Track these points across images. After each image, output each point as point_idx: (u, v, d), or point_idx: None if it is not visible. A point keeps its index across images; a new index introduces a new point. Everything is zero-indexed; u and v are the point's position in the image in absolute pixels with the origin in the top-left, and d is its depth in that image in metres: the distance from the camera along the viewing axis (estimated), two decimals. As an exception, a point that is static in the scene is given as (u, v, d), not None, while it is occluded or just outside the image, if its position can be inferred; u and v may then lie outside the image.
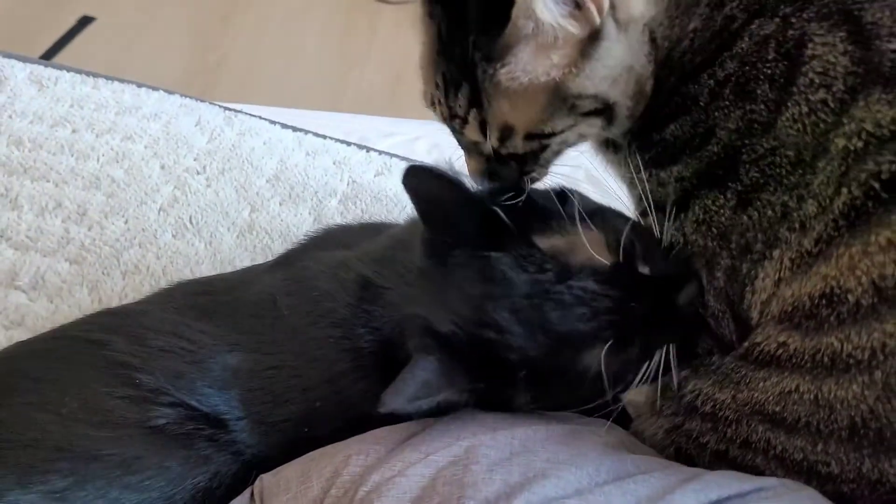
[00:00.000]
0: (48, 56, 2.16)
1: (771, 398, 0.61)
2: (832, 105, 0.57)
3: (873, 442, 0.57)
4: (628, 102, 0.66)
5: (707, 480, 0.59)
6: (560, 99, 0.65)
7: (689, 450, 0.69)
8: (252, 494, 0.66)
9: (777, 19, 0.59)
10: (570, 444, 0.63)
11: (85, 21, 2.30)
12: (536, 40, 0.62)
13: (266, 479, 0.65)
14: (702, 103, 0.62)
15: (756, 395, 0.62)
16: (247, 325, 0.73)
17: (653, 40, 0.65)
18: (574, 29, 0.61)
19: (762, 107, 0.60)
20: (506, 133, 0.68)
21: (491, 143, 0.69)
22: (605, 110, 0.66)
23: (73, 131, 1.18)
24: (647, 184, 0.67)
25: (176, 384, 0.68)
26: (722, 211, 0.63)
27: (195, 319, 0.73)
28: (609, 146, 0.73)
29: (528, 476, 0.57)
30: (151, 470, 0.65)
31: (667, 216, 0.66)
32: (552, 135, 0.67)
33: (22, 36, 2.19)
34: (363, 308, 0.70)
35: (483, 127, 0.68)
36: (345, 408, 0.69)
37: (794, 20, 0.59)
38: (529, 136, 0.68)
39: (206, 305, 0.75)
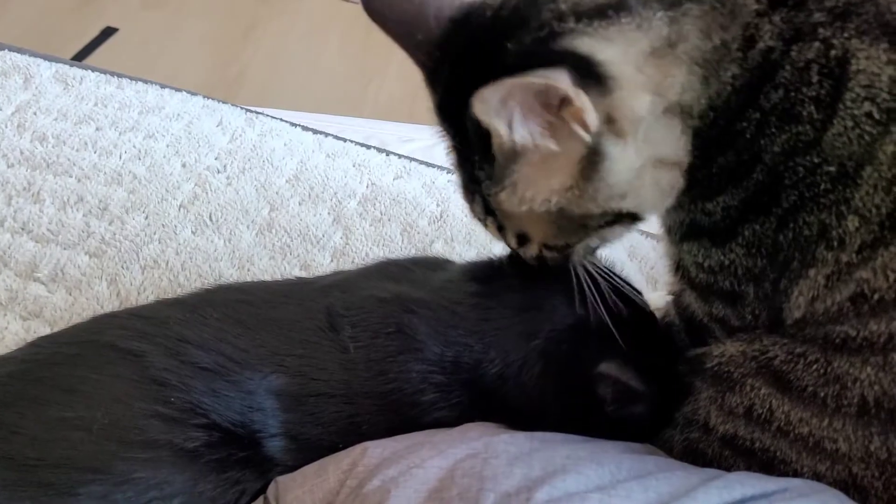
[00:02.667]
0: (78, 58, 2.18)
1: (781, 355, 0.61)
2: (878, 116, 0.56)
3: (884, 421, 0.57)
4: (654, 202, 0.64)
5: (730, 479, 0.58)
6: (566, 219, 0.64)
7: (700, 447, 0.68)
8: (265, 499, 0.65)
9: (817, 43, 0.58)
10: (590, 444, 0.63)
11: (108, 32, 2.32)
12: (527, 164, 0.60)
13: (282, 480, 0.65)
14: (748, 135, 0.60)
15: (765, 347, 0.62)
16: (295, 347, 0.70)
17: (685, 112, 0.60)
18: (559, 148, 0.58)
19: (808, 127, 0.58)
20: (522, 240, 0.68)
21: (511, 246, 0.69)
22: (622, 218, 0.64)
23: (97, 129, 1.19)
24: (690, 214, 0.65)
25: (211, 403, 0.66)
26: (769, 233, 0.62)
27: (237, 335, 0.70)
28: None
29: (548, 470, 0.57)
30: (183, 496, 0.63)
31: (713, 244, 0.65)
32: (568, 246, 0.67)
33: (45, 46, 2.21)
34: (453, 350, 0.70)
35: (502, 230, 0.68)
36: (393, 430, 0.68)
37: (834, 41, 0.58)
38: (547, 247, 0.68)
39: (248, 319, 0.72)
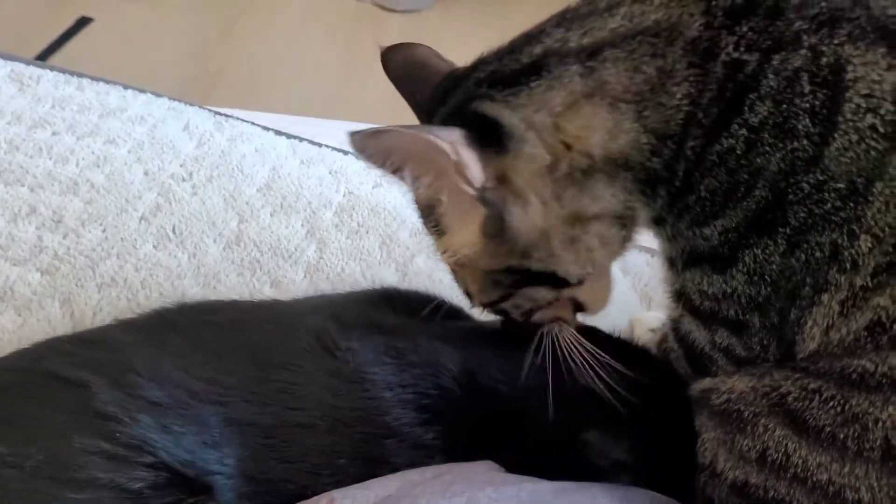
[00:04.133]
0: (43, 56, 2.10)
1: (794, 391, 0.57)
2: (882, 130, 0.53)
3: None
4: (580, 259, 0.64)
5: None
6: (480, 275, 0.67)
7: (708, 493, 0.62)
8: None
9: (804, 50, 0.55)
10: (585, 496, 0.56)
11: (83, 22, 2.24)
12: (443, 217, 0.64)
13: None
14: (738, 152, 0.57)
15: (777, 383, 0.58)
16: (272, 373, 0.65)
17: (616, 160, 0.60)
18: (450, 202, 0.62)
19: (805, 143, 0.55)
20: (467, 294, 0.72)
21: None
22: (539, 278, 0.65)
23: (53, 133, 1.12)
24: (690, 241, 0.63)
25: (160, 440, 0.60)
26: (773, 258, 0.58)
27: (198, 364, 0.65)
28: (653, 223, 0.68)
29: (537, 534, 0.50)
30: None
31: (714, 270, 0.61)
32: (494, 304, 0.69)
33: (18, 35, 2.12)
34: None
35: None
36: (376, 467, 0.63)
37: (823, 48, 0.55)
38: (483, 304, 0.71)
39: (214, 345, 0.67)
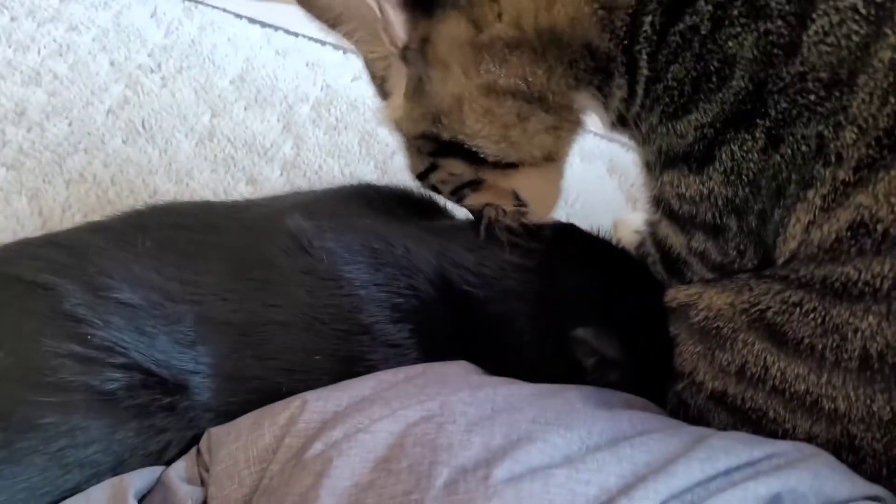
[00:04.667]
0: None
1: (774, 305, 0.56)
2: (864, 11, 0.49)
3: (888, 377, 0.52)
4: (492, 133, 0.62)
5: (713, 446, 0.52)
6: (409, 141, 0.67)
7: (685, 398, 0.62)
8: (199, 451, 0.58)
9: None
10: (560, 401, 0.56)
11: None
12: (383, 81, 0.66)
13: (214, 431, 0.58)
14: (703, 31, 0.54)
15: (757, 298, 0.57)
16: (248, 271, 0.64)
17: (547, 35, 0.58)
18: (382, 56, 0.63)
19: (780, 24, 0.51)
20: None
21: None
22: (453, 150, 0.64)
23: (12, 19, 1.06)
24: (664, 139, 0.60)
25: (132, 341, 0.59)
26: (751, 154, 0.55)
27: (171, 265, 0.63)
28: (618, 123, 0.65)
29: (511, 439, 0.50)
30: (99, 442, 0.57)
31: (690, 170, 0.59)
32: (422, 175, 0.69)
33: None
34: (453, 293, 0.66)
35: None
36: (351, 364, 0.63)
37: None
38: (417, 177, 0.70)
39: (187, 247, 0.65)
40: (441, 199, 0.75)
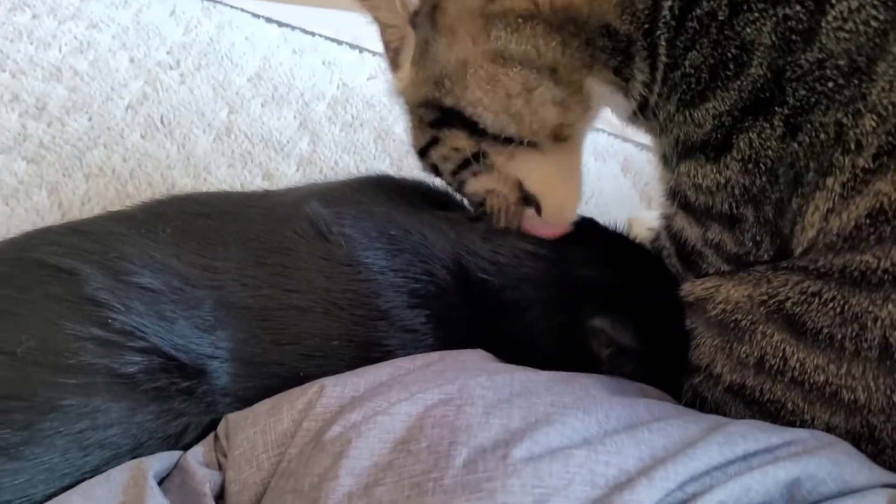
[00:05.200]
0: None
1: (793, 296, 0.56)
2: None
3: None
4: (493, 102, 0.61)
5: (731, 432, 0.52)
6: (413, 111, 0.66)
7: (702, 391, 0.62)
8: (216, 437, 0.59)
9: None
10: (576, 387, 0.56)
11: None
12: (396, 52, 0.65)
13: (232, 417, 0.58)
14: (721, 17, 0.53)
15: (775, 290, 0.57)
16: (266, 257, 0.64)
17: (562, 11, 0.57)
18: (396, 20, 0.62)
19: (798, 9, 0.51)
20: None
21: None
22: (452, 119, 0.63)
23: (34, 17, 1.06)
24: (682, 128, 0.59)
25: (152, 325, 0.60)
26: (769, 143, 0.55)
27: (191, 251, 0.64)
28: (639, 112, 0.64)
29: (529, 421, 0.50)
30: (119, 425, 0.57)
31: (707, 159, 0.58)
32: (423, 152, 0.67)
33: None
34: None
35: None
36: (368, 350, 0.63)
37: None
38: (419, 153, 0.69)
39: (206, 233, 0.66)
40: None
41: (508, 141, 0.62)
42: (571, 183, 0.68)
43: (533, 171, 0.66)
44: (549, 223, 0.68)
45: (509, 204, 0.68)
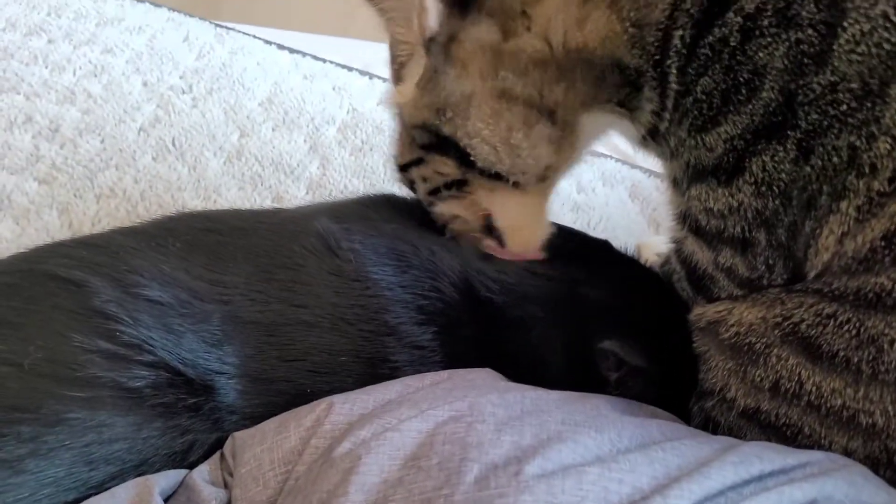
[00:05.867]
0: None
1: (808, 318, 0.55)
2: (895, 19, 0.49)
3: None
4: (493, 136, 0.62)
5: (746, 453, 0.51)
6: (405, 129, 0.66)
7: (715, 415, 0.61)
8: (222, 455, 0.58)
9: None
10: (587, 406, 0.56)
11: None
12: (402, 65, 0.66)
13: (239, 435, 0.58)
14: (733, 43, 0.54)
15: (790, 312, 0.56)
16: (275, 273, 0.64)
17: (581, 49, 0.59)
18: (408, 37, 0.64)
19: (811, 32, 0.51)
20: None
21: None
22: (447, 147, 0.64)
23: (49, 41, 1.08)
24: (693, 152, 0.59)
25: (160, 339, 0.59)
26: (782, 166, 0.55)
27: (200, 265, 0.64)
28: (650, 137, 0.65)
29: (541, 438, 0.50)
30: (125, 440, 0.57)
31: (719, 183, 0.59)
32: (405, 167, 0.69)
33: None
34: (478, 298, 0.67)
35: None
36: (376, 366, 0.63)
37: None
38: (401, 167, 0.70)
39: (215, 248, 0.66)
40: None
41: (495, 177, 0.64)
42: (540, 223, 0.71)
43: (508, 208, 0.68)
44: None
45: (472, 232, 0.69)
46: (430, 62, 0.62)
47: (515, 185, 0.65)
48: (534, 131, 0.62)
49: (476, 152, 0.63)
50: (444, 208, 0.70)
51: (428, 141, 0.65)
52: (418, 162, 0.67)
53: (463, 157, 0.64)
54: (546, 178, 0.66)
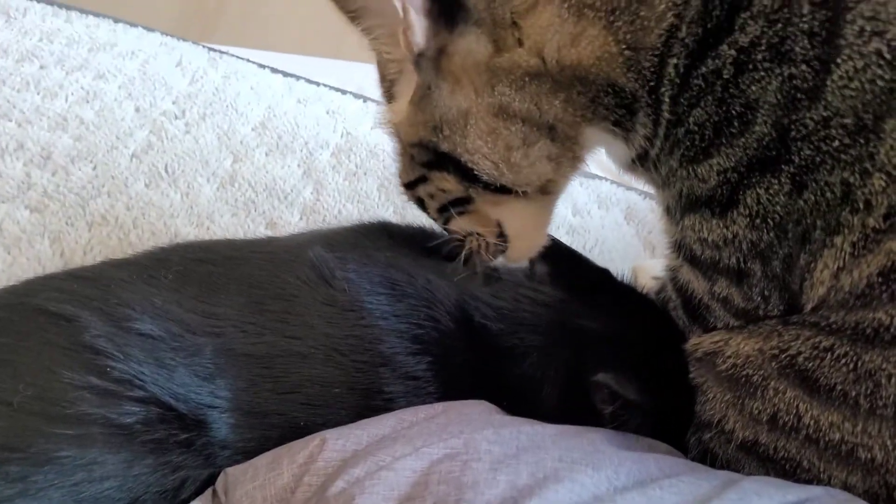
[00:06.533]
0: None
1: (805, 351, 0.55)
2: (889, 56, 0.49)
3: None
4: (491, 153, 0.61)
5: (745, 489, 0.50)
6: (404, 147, 0.66)
7: (713, 447, 0.60)
8: (214, 491, 0.57)
9: None
10: (584, 441, 0.55)
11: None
12: (392, 84, 0.65)
13: (231, 471, 0.57)
14: (725, 76, 0.54)
15: (786, 344, 0.56)
16: (268, 304, 0.64)
17: (573, 69, 0.58)
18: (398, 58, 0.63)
19: (804, 68, 0.51)
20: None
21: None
22: (445, 164, 0.63)
23: (41, 67, 1.07)
24: (685, 182, 0.59)
25: (151, 374, 0.59)
26: (777, 198, 0.55)
27: (192, 298, 0.63)
28: (638, 163, 0.64)
29: (537, 477, 0.49)
30: (115, 478, 0.56)
31: (713, 214, 0.58)
32: (410, 185, 0.68)
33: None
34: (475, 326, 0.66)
35: None
36: (370, 397, 0.62)
37: None
38: (405, 186, 0.69)
39: (208, 280, 0.65)
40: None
41: (500, 190, 0.63)
42: (543, 230, 0.71)
43: (515, 217, 0.68)
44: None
45: (488, 244, 0.69)
46: (422, 79, 0.61)
47: (523, 194, 0.64)
48: (533, 150, 0.61)
49: (479, 167, 0.62)
50: (457, 225, 0.69)
51: (427, 158, 0.64)
52: (422, 180, 0.67)
53: (464, 173, 0.63)
54: (549, 191, 0.66)
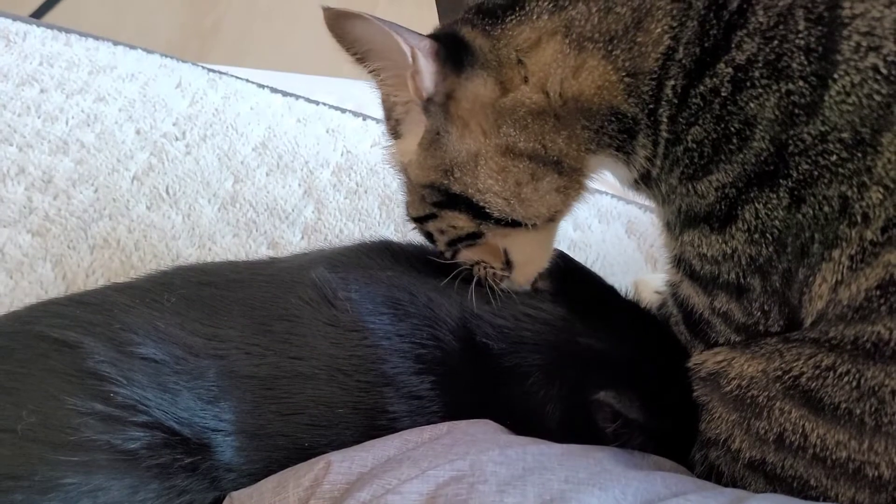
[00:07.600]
0: (39, 14, 2.04)
1: (807, 371, 0.55)
2: (885, 71, 0.50)
3: None
4: (504, 192, 0.62)
5: (754, 506, 0.50)
6: (413, 186, 0.66)
7: (719, 466, 0.60)
8: None
9: None
10: (591, 461, 0.55)
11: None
12: (401, 116, 0.65)
13: (236, 495, 0.57)
14: (724, 94, 0.54)
15: (789, 365, 0.56)
16: (271, 324, 0.64)
17: (574, 101, 0.59)
18: (403, 102, 0.64)
19: (801, 84, 0.52)
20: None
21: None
22: (458, 203, 0.64)
23: (41, 91, 1.08)
24: (684, 199, 0.60)
25: (155, 399, 0.58)
26: (775, 213, 0.55)
27: (195, 321, 0.63)
28: (641, 182, 0.65)
29: (544, 499, 0.49)
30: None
31: (712, 230, 0.59)
32: (419, 220, 0.69)
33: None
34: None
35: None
36: (374, 417, 0.62)
37: None
38: (414, 220, 0.70)
39: (211, 302, 0.65)
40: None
41: (511, 224, 0.64)
42: (548, 253, 0.72)
43: (522, 246, 0.69)
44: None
45: (495, 271, 0.70)
46: (431, 123, 0.62)
47: (533, 226, 0.66)
48: (542, 184, 0.62)
49: (491, 206, 0.63)
50: (465, 256, 0.70)
51: (438, 199, 0.65)
52: (433, 217, 0.68)
53: (476, 211, 0.64)
54: (555, 219, 0.67)
